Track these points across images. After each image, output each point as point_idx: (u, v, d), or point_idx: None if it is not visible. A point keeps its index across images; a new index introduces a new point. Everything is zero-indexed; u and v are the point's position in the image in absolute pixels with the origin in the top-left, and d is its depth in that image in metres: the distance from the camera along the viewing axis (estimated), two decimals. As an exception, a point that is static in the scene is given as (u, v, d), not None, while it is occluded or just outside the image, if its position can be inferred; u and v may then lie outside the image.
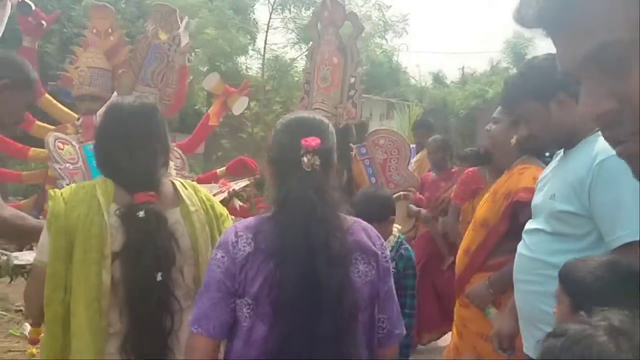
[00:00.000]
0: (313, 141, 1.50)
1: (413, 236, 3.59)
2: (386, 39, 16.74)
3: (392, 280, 1.66)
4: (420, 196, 3.75)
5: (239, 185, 3.23)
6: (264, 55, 14.18)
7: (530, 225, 1.92)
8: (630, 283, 1.26)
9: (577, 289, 1.42)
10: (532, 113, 1.87)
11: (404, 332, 1.71)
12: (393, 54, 20.56)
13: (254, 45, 15.19)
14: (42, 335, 1.79)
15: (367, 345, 1.55)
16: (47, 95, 3.95)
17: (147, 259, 1.66)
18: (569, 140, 1.82)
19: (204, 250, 1.81)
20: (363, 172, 3.38)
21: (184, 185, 1.88)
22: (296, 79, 14.50)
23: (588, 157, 1.68)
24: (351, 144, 3.43)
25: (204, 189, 1.96)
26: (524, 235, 1.93)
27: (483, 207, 2.49)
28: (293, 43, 14.75)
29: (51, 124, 3.84)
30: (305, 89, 3.55)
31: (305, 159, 1.49)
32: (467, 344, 2.38)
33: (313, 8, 14.90)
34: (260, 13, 15.66)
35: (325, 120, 1.64)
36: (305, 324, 1.41)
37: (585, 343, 0.94)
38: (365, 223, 1.68)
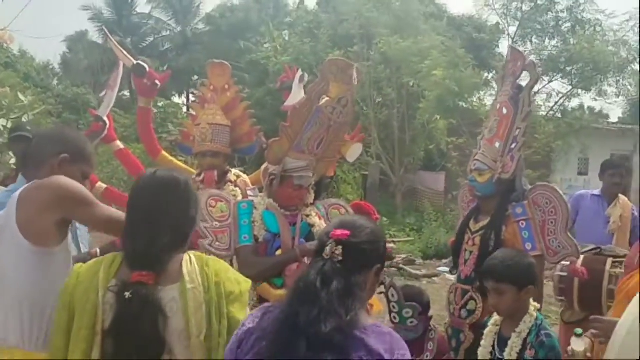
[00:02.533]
0: (341, 232, 1.54)
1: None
2: None
3: None
4: (577, 267, 3.04)
5: None
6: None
7: None
8: None
9: None
10: None
11: None
12: None
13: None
14: None
15: None
16: (163, 152, 4.14)
17: (127, 342, 1.62)
18: None
19: (195, 332, 1.67)
20: (517, 236, 2.87)
21: (190, 260, 1.77)
22: (536, 113, 13.53)
23: None
24: (512, 203, 2.94)
25: (219, 265, 1.81)
26: None
27: None
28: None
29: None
30: (479, 144, 3.21)
31: (327, 248, 1.53)
32: None
33: (558, 37, 13.99)
34: (505, 47, 15.03)
35: (377, 227, 1.69)
36: None
37: None
38: (390, 330, 1.55)
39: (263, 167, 3.22)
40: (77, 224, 2.74)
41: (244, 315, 1.73)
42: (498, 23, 15.16)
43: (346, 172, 15.02)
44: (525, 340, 2.37)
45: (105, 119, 4.03)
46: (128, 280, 1.66)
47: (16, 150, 3.84)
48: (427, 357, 2.97)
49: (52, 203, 1.92)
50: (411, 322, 2.94)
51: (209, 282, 1.72)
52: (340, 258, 1.51)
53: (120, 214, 2.00)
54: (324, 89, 2.97)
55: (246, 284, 1.82)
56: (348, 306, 1.46)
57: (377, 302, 3.49)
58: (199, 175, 3.75)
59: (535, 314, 2.43)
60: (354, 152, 3.97)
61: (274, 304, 1.61)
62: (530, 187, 3.00)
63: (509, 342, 2.39)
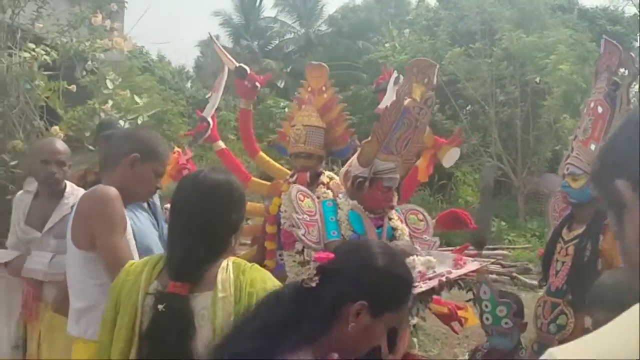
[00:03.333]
0: (325, 256, 1.45)
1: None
2: None
3: None
4: None
5: (462, 269, 2.60)
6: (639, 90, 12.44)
7: None
8: None
9: None
10: None
11: None
12: None
13: None
14: None
15: None
16: (261, 153, 4.18)
17: (158, 350, 1.60)
18: None
19: None
20: (617, 246, 2.61)
21: (227, 268, 1.68)
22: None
23: None
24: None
25: (257, 273, 1.69)
26: None
27: None
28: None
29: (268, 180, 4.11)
30: (572, 145, 3.02)
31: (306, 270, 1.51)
32: None
33: None
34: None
35: (377, 251, 1.50)
36: None
37: None
38: None
39: (343, 170, 3.21)
40: (164, 223, 2.88)
41: None
42: (636, 14, 13.91)
43: (465, 174, 14.58)
44: None
45: (209, 119, 4.19)
46: (166, 286, 1.65)
47: (103, 147, 3.84)
48: None
49: (83, 215, 2.03)
50: (505, 323, 2.73)
51: (241, 291, 1.64)
52: (312, 284, 1.40)
53: (127, 257, 1.95)
54: (408, 89, 2.93)
55: None
56: (285, 335, 1.36)
57: (472, 316, 3.32)
58: (292, 176, 3.79)
59: None
60: (451, 156, 3.83)
61: None
62: None
63: None
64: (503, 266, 9.17)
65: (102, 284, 1.98)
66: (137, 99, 4.78)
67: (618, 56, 2.78)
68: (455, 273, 2.62)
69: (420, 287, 2.52)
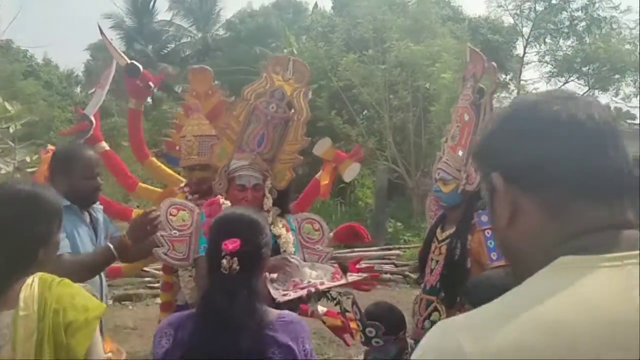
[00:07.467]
0: (232, 243, 1.62)
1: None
2: None
3: None
4: None
5: (335, 282, 2.65)
6: (518, 92, 13.38)
7: None
8: None
9: None
10: None
11: None
12: None
13: (517, 82, 14.41)
14: None
15: None
16: (151, 157, 4.01)
17: None
18: None
19: None
20: (483, 245, 2.78)
21: (31, 284, 1.62)
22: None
23: None
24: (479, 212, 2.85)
25: (65, 289, 1.66)
26: None
27: None
28: (549, 77, 13.70)
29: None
30: (443, 148, 3.12)
31: (224, 261, 1.62)
32: None
33: (573, 37, 13.73)
34: (521, 49, 14.76)
35: (255, 219, 1.77)
36: None
37: None
38: (293, 317, 1.73)
39: None
40: (103, 238, 2.82)
41: (86, 345, 1.61)
42: (515, 24, 14.95)
43: (364, 177, 14.93)
44: None
45: (92, 118, 3.88)
46: None
47: None
48: None
49: None
50: (376, 342, 2.77)
51: (45, 308, 1.58)
52: (237, 269, 1.61)
53: None
54: (266, 87, 2.93)
55: (96, 310, 1.66)
56: (257, 312, 1.63)
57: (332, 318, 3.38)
58: (188, 188, 3.61)
59: None
60: (352, 171, 3.84)
61: (181, 318, 1.74)
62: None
63: None
64: (396, 265, 9.49)
65: None
66: (8, 106, 4.46)
67: (482, 65, 2.93)
68: (326, 285, 2.63)
69: (289, 295, 2.50)
